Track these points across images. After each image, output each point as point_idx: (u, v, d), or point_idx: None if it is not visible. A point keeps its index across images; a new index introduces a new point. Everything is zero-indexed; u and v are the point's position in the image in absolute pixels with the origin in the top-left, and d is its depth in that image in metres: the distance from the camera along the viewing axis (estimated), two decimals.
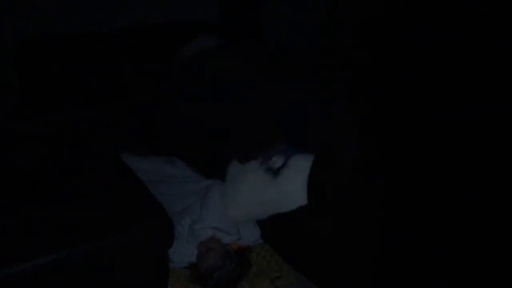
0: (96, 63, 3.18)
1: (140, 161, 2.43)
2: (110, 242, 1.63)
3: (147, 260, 1.76)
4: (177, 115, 2.41)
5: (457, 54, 2.38)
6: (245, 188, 1.91)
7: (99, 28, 3.28)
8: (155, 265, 1.80)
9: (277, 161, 1.89)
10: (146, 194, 1.91)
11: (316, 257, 1.87)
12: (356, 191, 1.67)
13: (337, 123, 2.06)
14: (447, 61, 2.33)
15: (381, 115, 2.10)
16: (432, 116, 1.96)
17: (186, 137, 2.36)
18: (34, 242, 1.56)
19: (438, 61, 2.36)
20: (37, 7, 3.14)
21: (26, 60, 3.08)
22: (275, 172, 1.88)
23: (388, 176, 1.70)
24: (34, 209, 1.74)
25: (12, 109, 2.77)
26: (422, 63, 2.38)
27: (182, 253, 2.01)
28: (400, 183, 1.62)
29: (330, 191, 1.70)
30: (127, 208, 1.77)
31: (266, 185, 1.87)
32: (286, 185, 1.83)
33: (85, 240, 1.60)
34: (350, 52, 3.19)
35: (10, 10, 3.06)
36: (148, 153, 2.62)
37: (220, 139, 2.15)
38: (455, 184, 1.78)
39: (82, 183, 1.94)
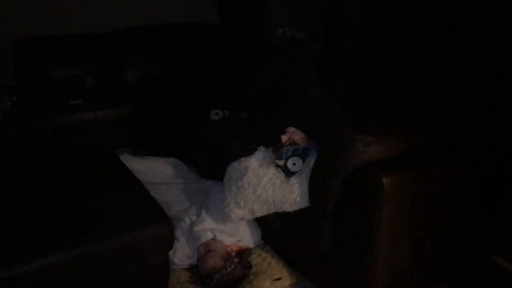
0: (96, 64, 3.19)
1: (139, 162, 2.42)
2: (109, 244, 1.63)
3: (147, 262, 1.75)
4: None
5: (457, 54, 2.38)
6: (245, 185, 1.90)
7: (99, 29, 3.29)
8: (155, 267, 1.80)
9: (297, 164, 1.87)
10: (145, 195, 1.90)
11: (317, 258, 1.87)
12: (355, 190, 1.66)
13: (337, 124, 2.06)
14: (447, 61, 2.33)
15: (381, 115, 2.10)
16: (432, 116, 1.95)
17: None
18: (32, 246, 1.55)
19: (438, 61, 2.35)
20: (37, 7, 3.14)
21: (26, 61, 3.07)
22: (289, 172, 1.86)
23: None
24: (32, 211, 1.73)
25: (11, 109, 2.77)
26: (422, 63, 2.37)
27: (182, 254, 2.00)
28: (399, 183, 1.62)
29: (330, 192, 1.70)
30: (127, 210, 1.77)
31: (273, 184, 1.85)
32: (296, 188, 1.81)
33: (84, 242, 1.59)
34: (350, 52, 3.19)
35: (10, 11, 3.06)
36: (148, 154, 2.61)
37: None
38: (458, 186, 1.77)
39: (80, 185, 1.93)
